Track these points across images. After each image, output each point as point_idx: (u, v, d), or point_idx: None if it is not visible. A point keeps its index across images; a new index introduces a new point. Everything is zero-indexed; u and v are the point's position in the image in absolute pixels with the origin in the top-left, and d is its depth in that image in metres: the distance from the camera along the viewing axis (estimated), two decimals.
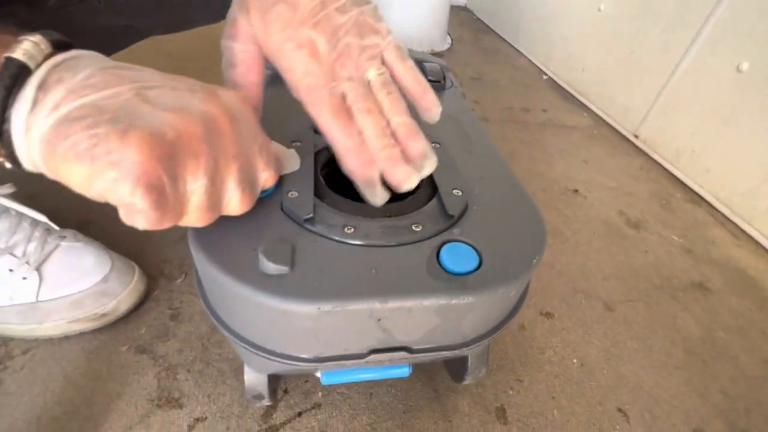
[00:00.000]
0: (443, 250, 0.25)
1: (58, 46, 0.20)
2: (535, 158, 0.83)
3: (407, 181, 0.26)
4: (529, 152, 0.85)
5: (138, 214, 0.19)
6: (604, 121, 1.01)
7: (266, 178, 0.25)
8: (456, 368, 0.39)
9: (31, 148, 0.19)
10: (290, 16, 0.25)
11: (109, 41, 0.47)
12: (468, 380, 0.38)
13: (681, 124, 0.82)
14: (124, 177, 0.18)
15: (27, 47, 0.19)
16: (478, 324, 0.27)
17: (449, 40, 1.36)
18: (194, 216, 0.22)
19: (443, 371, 0.43)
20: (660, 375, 0.47)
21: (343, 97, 0.26)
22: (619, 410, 0.43)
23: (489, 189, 0.31)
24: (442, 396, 0.42)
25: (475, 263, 0.25)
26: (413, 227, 0.27)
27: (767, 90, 0.67)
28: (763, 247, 0.68)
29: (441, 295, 0.23)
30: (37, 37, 0.19)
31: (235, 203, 0.23)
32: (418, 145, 0.27)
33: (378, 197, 0.26)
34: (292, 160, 0.29)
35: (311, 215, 0.26)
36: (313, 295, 0.22)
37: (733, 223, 0.72)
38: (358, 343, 0.25)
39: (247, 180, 0.23)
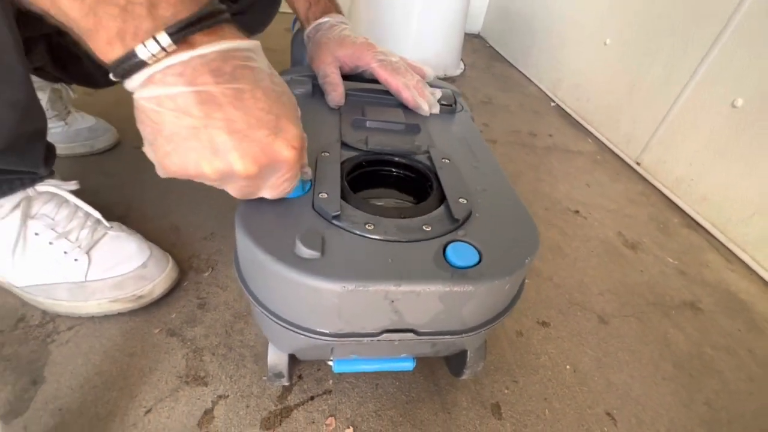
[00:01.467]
0: (449, 248, 0.30)
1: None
2: (540, 179, 0.88)
3: (427, 100, 0.48)
4: (534, 174, 0.90)
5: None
6: (607, 147, 1.06)
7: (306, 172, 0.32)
8: (456, 363, 0.43)
9: (142, 93, 0.23)
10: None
11: None
12: (467, 374, 0.41)
13: (680, 153, 0.87)
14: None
15: (151, 49, 0.22)
16: (476, 313, 0.31)
17: (462, 66, 1.43)
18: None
19: (444, 368, 0.47)
20: (648, 385, 0.50)
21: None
22: (608, 414, 0.46)
23: (490, 199, 0.36)
24: (442, 390, 0.45)
25: (475, 259, 0.29)
26: (424, 227, 0.31)
27: (760, 126, 0.71)
28: (755, 273, 0.71)
29: (445, 282, 0.27)
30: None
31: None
32: (426, 91, 0.49)
33: (422, 107, 0.48)
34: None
35: (338, 213, 0.30)
36: (339, 276, 0.26)
37: (728, 249, 0.75)
38: (373, 322, 0.29)
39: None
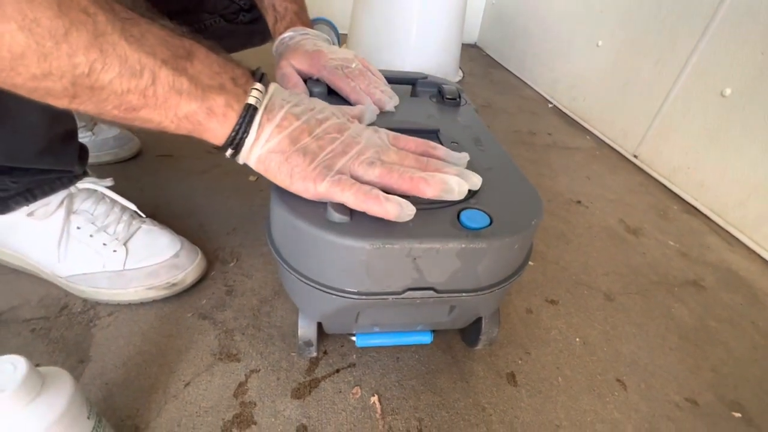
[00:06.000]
0: (462, 213, 0.33)
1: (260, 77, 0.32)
2: (542, 174, 0.91)
3: (378, 98, 0.48)
4: (535, 169, 0.93)
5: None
6: (605, 143, 1.10)
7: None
8: (471, 332, 0.46)
9: (250, 159, 0.31)
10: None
11: None
12: (482, 341, 0.44)
13: (675, 144, 0.90)
14: (311, 194, 0.31)
15: (256, 95, 0.30)
16: (490, 271, 0.34)
17: (461, 74, 1.49)
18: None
19: (460, 342, 0.50)
20: (655, 354, 0.52)
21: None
22: (618, 380, 0.48)
23: (497, 175, 0.39)
24: (459, 361, 0.48)
25: (486, 222, 0.33)
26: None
27: (748, 112, 0.75)
28: (755, 253, 0.73)
29: (461, 240, 0.31)
30: (258, 85, 0.30)
31: None
32: (377, 90, 0.49)
33: (371, 107, 0.43)
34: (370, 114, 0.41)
35: None
36: (366, 236, 0.30)
37: (727, 232, 0.78)
38: (397, 280, 0.32)
39: None
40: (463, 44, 1.46)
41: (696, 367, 0.51)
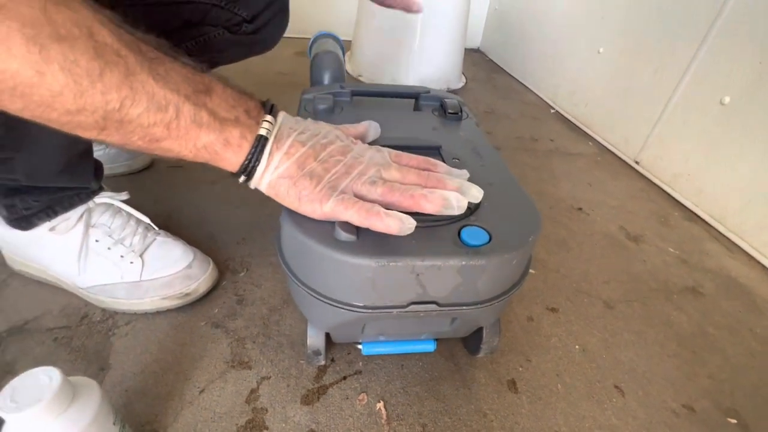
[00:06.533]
0: (463, 231, 0.35)
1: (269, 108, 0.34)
2: (543, 180, 0.93)
3: None
4: (537, 175, 0.95)
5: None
6: (607, 149, 1.11)
7: None
8: (473, 341, 0.48)
9: (261, 184, 0.34)
10: None
11: None
12: (484, 349, 0.46)
13: (676, 150, 0.91)
14: (318, 214, 0.33)
15: (266, 126, 0.32)
16: (489, 286, 0.36)
17: (464, 79, 1.51)
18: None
19: (463, 350, 0.51)
20: (653, 361, 0.53)
21: None
22: (616, 387, 0.50)
23: (497, 191, 0.41)
24: (462, 369, 0.49)
25: (486, 239, 0.35)
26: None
27: (747, 120, 0.76)
28: (755, 259, 0.74)
29: (461, 257, 0.32)
30: (269, 117, 0.33)
31: None
32: None
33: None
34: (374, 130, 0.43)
35: None
36: (372, 254, 0.32)
37: (727, 238, 0.79)
38: (401, 295, 0.34)
39: None
40: (466, 49, 1.48)
41: (693, 374, 0.52)
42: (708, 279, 0.69)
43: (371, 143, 0.42)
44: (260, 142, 0.32)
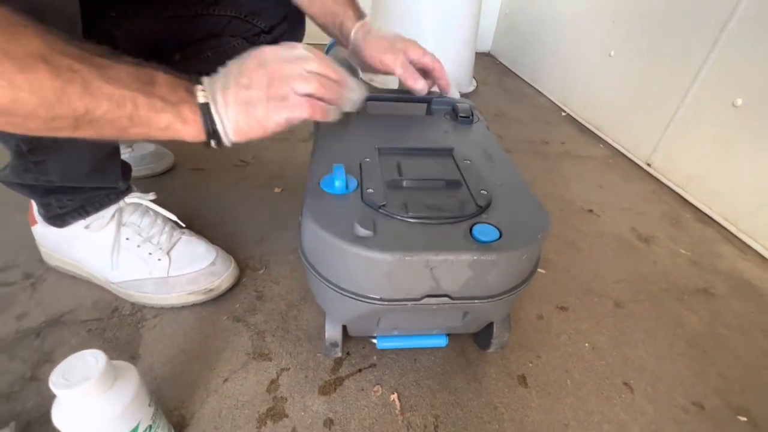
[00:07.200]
0: (474, 228, 0.37)
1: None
2: (554, 183, 0.94)
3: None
4: (548, 178, 0.96)
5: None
6: (618, 151, 1.11)
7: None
8: (483, 336, 0.49)
9: (229, 138, 0.37)
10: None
11: None
12: (494, 344, 0.47)
13: (689, 152, 0.91)
14: (282, 124, 0.38)
15: (202, 94, 0.36)
16: (500, 281, 0.37)
17: (474, 83, 1.52)
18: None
19: (473, 346, 0.53)
20: (663, 359, 0.54)
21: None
22: (625, 384, 0.51)
23: (507, 191, 0.43)
24: (473, 364, 0.51)
25: (496, 236, 0.36)
26: (453, 213, 0.38)
27: (760, 122, 0.76)
28: None
29: (473, 252, 0.34)
30: (199, 87, 0.36)
31: None
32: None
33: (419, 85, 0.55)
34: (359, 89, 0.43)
35: (384, 203, 0.38)
36: (389, 248, 0.34)
37: (740, 240, 0.79)
38: (416, 288, 0.36)
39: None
40: (476, 53, 1.50)
41: (703, 372, 0.53)
42: (720, 280, 0.69)
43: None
44: (206, 109, 0.36)
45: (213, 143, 0.38)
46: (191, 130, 0.36)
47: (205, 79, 0.38)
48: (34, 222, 0.55)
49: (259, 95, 0.37)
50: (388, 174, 0.43)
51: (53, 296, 0.55)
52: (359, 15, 0.57)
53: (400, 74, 0.54)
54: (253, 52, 0.39)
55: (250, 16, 0.61)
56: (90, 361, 0.30)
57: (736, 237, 0.80)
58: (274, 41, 0.70)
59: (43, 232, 0.54)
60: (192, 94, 0.36)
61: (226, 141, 0.38)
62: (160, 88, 0.34)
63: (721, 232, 0.82)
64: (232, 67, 0.39)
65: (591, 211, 0.84)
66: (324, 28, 0.60)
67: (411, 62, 0.55)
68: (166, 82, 0.35)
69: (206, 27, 0.62)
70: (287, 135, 1.04)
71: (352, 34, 0.56)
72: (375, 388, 0.47)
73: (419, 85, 0.55)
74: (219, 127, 0.37)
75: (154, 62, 0.35)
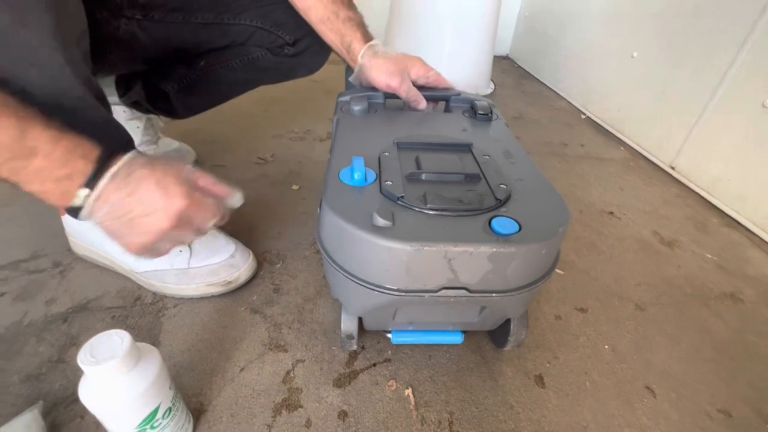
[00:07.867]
0: (494, 221, 0.37)
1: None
2: (573, 185, 0.92)
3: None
4: (567, 180, 0.94)
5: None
6: (640, 154, 1.08)
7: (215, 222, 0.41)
8: (500, 334, 0.48)
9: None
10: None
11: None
12: (511, 342, 0.47)
13: (715, 155, 0.89)
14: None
15: (83, 195, 0.32)
16: (519, 274, 0.37)
17: (492, 85, 1.51)
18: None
19: (490, 344, 0.52)
20: (688, 365, 0.52)
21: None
22: (647, 388, 0.49)
23: (526, 186, 0.43)
24: (489, 362, 0.50)
25: (516, 229, 0.36)
26: (473, 205, 0.38)
27: None
28: None
29: (492, 244, 0.34)
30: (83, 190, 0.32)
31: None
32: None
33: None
34: (236, 199, 0.42)
35: (402, 195, 0.38)
36: (407, 238, 0.34)
37: None
38: (434, 279, 0.36)
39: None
40: (495, 56, 1.49)
41: (731, 379, 0.51)
42: (748, 286, 0.66)
43: None
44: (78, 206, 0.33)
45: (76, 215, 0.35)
46: (55, 200, 0.33)
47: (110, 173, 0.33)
48: (64, 212, 0.57)
49: (126, 235, 0.36)
50: (406, 167, 0.43)
51: (80, 284, 0.57)
52: (367, 37, 0.59)
53: (404, 97, 0.58)
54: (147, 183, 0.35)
55: (275, 27, 0.63)
56: (116, 340, 0.31)
57: (765, 242, 0.77)
58: (297, 54, 0.71)
59: (71, 221, 0.56)
60: (75, 185, 0.32)
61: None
62: (39, 160, 0.30)
63: (749, 236, 0.79)
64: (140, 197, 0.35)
65: (611, 213, 0.83)
66: (331, 46, 0.61)
67: (416, 81, 0.60)
68: (50, 157, 0.31)
69: (231, 36, 0.63)
70: (305, 134, 1.05)
71: (359, 56, 0.58)
72: (389, 383, 0.47)
73: (421, 107, 0.60)
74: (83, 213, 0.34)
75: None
